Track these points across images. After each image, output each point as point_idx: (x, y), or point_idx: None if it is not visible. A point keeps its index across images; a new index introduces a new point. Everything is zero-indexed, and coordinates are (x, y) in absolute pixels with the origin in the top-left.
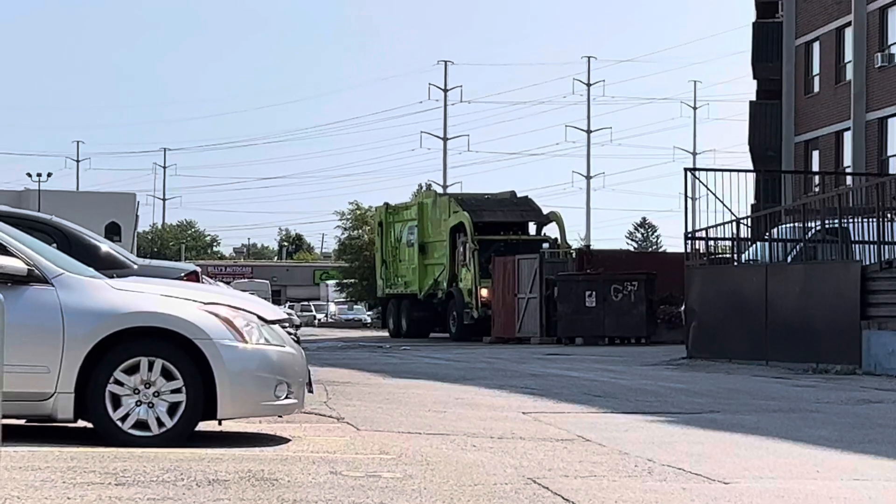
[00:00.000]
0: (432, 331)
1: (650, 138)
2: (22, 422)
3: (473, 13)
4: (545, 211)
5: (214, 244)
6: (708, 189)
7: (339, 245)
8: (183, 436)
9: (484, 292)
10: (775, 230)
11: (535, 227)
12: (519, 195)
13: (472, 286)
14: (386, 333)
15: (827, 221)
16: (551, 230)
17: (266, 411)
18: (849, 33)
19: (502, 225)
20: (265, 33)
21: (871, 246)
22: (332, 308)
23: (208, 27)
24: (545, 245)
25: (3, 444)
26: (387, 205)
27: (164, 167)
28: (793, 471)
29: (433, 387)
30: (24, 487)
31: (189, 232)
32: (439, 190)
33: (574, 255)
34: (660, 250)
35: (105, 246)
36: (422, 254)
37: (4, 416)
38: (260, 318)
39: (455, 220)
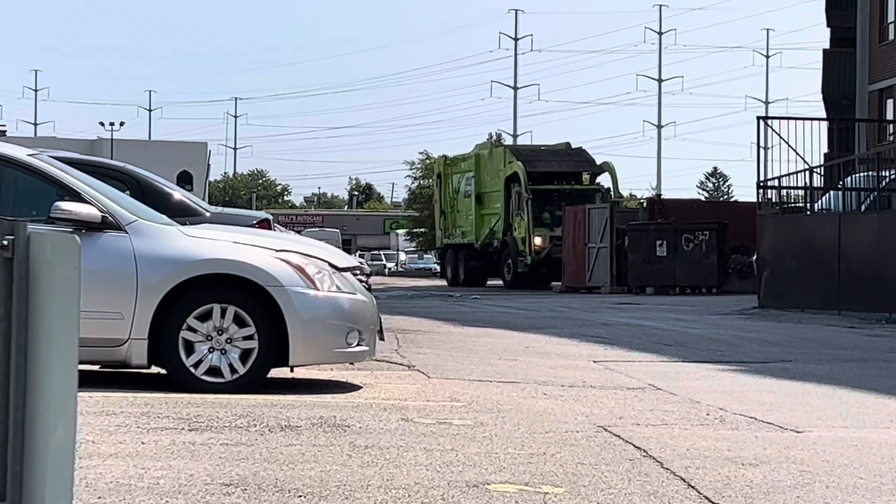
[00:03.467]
0: (488, 279)
1: (722, 87)
2: (96, 367)
3: None
4: (598, 161)
5: (285, 193)
6: (781, 138)
7: (409, 194)
8: (255, 382)
9: (537, 240)
10: (849, 179)
11: (588, 177)
12: (584, 146)
13: (525, 234)
14: (444, 283)
15: None
16: (605, 180)
17: (337, 358)
18: None
19: (556, 175)
20: None
21: None
22: (402, 257)
23: None
24: (598, 195)
25: (78, 390)
26: (445, 157)
27: (236, 116)
28: (866, 420)
29: (503, 335)
30: (99, 432)
31: (260, 181)
32: (509, 140)
33: (644, 203)
34: (731, 200)
35: (177, 193)
36: (478, 204)
37: (79, 362)
38: (331, 265)
39: (510, 170)
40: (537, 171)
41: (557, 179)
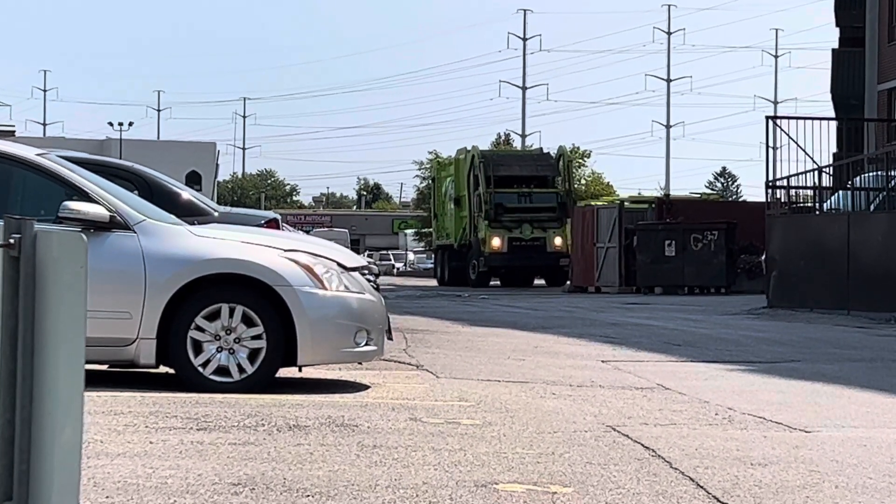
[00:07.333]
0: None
1: (730, 87)
2: (105, 367)
3: None
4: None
5: (294, 193)
6: (790, 137)
7: (417, 194)
8: (263, 382)
9: (495, 241)
10: (858, 179)
11: (553, 180)
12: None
13: (484, 235)
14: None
15: None
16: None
17: (346, 358)
18: None
19: (517, 178)
20: None
21: None
22: (411, 257)
23: None
24: (556, 196)
25: (86, 389)
26: (438, 161)
27: (244, 116)
28: (875, 420)
29: (512, 335)
30: (107, 432)
31: (269, 181)
32: (518, 140)
33: (653, 204)
34: (740, 199)
35: (186, 193)
36: (457, 207)
37: (88, 362)
38: (339, 265)
39: (467, 165)
40: (498, 175)
41: (519, 183)
